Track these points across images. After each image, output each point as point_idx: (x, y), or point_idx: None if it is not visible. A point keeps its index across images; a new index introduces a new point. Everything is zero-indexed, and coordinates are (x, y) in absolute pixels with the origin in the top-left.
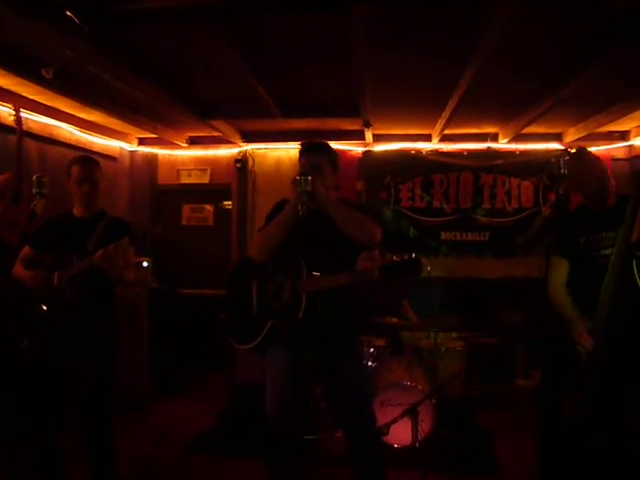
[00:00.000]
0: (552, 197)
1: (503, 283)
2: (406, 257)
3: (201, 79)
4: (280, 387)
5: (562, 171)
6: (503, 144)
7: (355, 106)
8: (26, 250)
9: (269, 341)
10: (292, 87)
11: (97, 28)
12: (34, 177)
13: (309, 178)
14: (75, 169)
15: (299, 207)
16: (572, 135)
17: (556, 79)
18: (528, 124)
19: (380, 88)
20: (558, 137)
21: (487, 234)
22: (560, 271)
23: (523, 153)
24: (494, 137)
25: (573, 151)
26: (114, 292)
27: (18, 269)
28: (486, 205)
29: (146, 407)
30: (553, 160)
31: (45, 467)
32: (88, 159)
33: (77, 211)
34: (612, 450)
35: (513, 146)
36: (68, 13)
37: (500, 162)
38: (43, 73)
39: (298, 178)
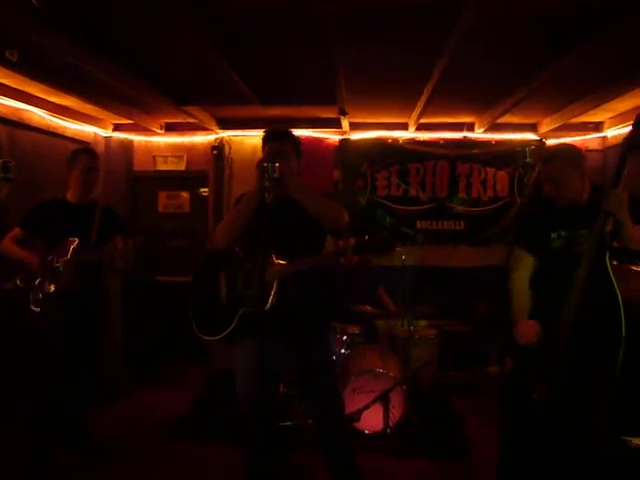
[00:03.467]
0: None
1: (477, 272)
2: (378, 236)
3: (174, 65)
4: (250, 373)
5: (527, 160)
6: (479, 134)
7: (331, 94)
8: (17, 231)
9: (240, 330)
10: (267, 74)
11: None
12: None
13: (276, 165)
14: (84, 159)
15: (266, 194)
16: (547, 125)
17: (528, 69)
18: (503, 114)
19: (354, 77)
20: (533, 127)
21: (462, 223)
22: (524, 265)
23: (499, 143)
24: (470, 126)
25: (548, 146)
26: (102, 280)
27: (12, 247)
28: (462, 194)
29: (122, 395)
30: (518, 149)
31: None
32: (93, 151)
33: (72, 197)
34: (581, 435)
35: (489, 136)
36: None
37: (476, 151)
38: (7, 55)
39: (265, 165)
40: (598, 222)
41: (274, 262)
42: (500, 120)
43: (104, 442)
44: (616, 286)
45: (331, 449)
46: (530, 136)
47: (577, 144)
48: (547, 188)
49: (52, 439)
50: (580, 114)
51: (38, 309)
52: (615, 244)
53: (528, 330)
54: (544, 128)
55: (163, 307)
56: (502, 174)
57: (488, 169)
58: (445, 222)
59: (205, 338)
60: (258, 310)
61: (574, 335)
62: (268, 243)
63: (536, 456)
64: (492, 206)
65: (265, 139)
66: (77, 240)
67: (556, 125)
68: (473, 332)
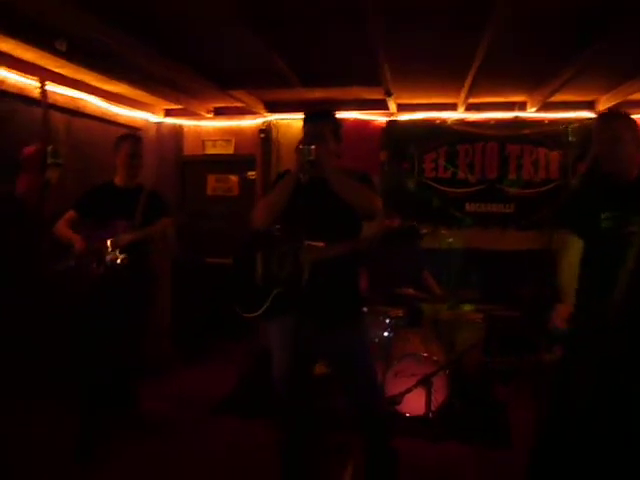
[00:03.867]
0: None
1: (527, 256)
2: (404, 225)
3: (218, 50)
4: (284, 354)
5: (570, 139)
6: (531, 113)
7: (375, 75)
8: (71, 214)
9: (273, 310)
10: (309, 56)
11: None
12: (49, 148)
13: (312, 147)
14: (127, 144)
15: (301, 175)
16: (605, 103)
17: (579, 42)
18: (555, 92)
19: (396, 58)
20: (590, 105)
21: (512, 205)
22: (573, 249)
23: (552, 122)
24: (522, 106)
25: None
26: (150, 260)
27: (64, 229)
28: (512, 176)
29: (170, 372)
30: (561, 127)
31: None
32: (137, 136)
33: (119, 181)
34: (614, 438)
35: (542, 115)
36: None
37: (527, 132)
38: (57, 46)
39: (301, 147)
40: None
41: (308, 245)
42: (553, 98)
43: (152, 418)
44: None
45: (365, 433)
46: (586, 114)
47: (638, 121)
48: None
49: (102, 416)
50: (639, 90)
51: (86, 289)
52: None
53: (560, 315)
54: (602, 106)
55: (211, 288)
56: (554, 155)
57: (540, 150)
58: (494, 204)
59: (244, 315)
60: (290, 292)
61: (623, 320)
62: (302, 225)
63: (572, 448)
64: (544, 188)
65: (304, 121)
66: (122, 222)
67: (615, 102)
68: (521, 318)
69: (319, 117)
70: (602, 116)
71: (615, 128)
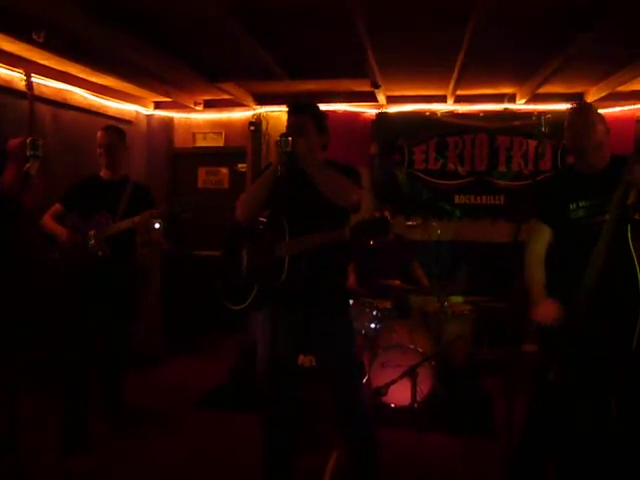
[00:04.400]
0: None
1: (517, 248)
2: (376, 216)
3: (204, 43)
4: (267, 348)
5: (543, 129)
6: (521, 105)
7: (362, 68)
8: (57, 207)
9: (258, 303)
10: (296, 50)
11: None
12: (28, 140)
13: (289, 139)
14: (100, 135)
15: (278, 168)
16: (594, 94)
17: (565, 33)
18: (544, 83)
19: (382, 49)
20: (580, 97)
21: (502, 198)
22: (541, 239)
23: (542, 114)
24: (511, 98)
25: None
26: (136, 252)
27: (50, 222)
28: (502, 168)
29: (159, 364)
30: (534, 118)
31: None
32: (111, 127)
33: (104, 174)
34: (595, 420)
35: (532, 107)
36: None
37: (517, 123)
38: (34, 37)
39: (279, 138)
40: (617, 192)
41: (286, 237)
42: (543, 90)
43: (138, 410)
44: (636, 262)
45: (348, 424)
46: None
47: (626, 114)
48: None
49: (87, 407)
50: (628, 81)
51: (69, 280)
52: (638, 217)
53: (547, 311)
54: (591, 97)
55: (201, 280)
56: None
57: (530, 142)
58: (484, 196)
59: (231, 308)
60: (271, 285)
61: (592, 312)
62: (281, 217)
63: (551, 439)
64: (534, 180)
65: (287, 113)
66: (105, 214)
67: (603, 94)
68: (510, 310)
69: (300, 109)
70: (573, 108)
71: (586, 119)
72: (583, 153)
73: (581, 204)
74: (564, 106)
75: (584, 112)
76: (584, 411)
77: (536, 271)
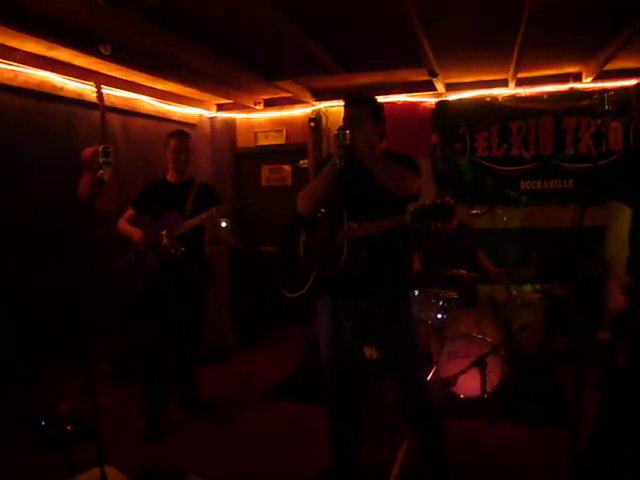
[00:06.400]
0: None
1: (590, 233)
2: (437, 202)
3: (259, 43)
4: (329, 335)
5: (606, 107)
6: (588, 83)
7: (418, 57)
8: (130, 211)
9: (315, 290)
10: (349, 44)
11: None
12: (100, 147)
13: (347, 132)
14: (173, 141)
15: (337, 161)
16: None
17: (631, 4)
18: (611, 58)
19: (437, 36)
20: None
21: (571, 181)
22: (622, 221)
23: (613, 91)
24: (577, 77)
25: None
26: (203, 250)
27: (125, 225)
28: (569, 150)
29: (229, 358)
30: (595, 96)
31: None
32: (183, 132)
33: (171, 177)
34: None
35: (600, 84)
36: None
37: (585, 103)
38: (101, 50)
39: (337, 132)
40: None
41: (345, 225)
42: (610, 66)
43: (212, 401)
44: None
45: (411, 414)
46: None
47: None
48: None
49: (165, 398)
50: None
51: (143, 282)
52: None
53: (613, 291)
54: None
55: (267, 274)
56: (616, 125)
57: (599, 121)
58: (551, 181)
59: (288, 296)
60: (330, 272)
61: None
62: (340, 207)
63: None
64: (605, 160)
65: (344, 106)
66: (175, 214)
67: None
68: (583, 296)
69: (356, 101)
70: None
71: None
72: None
73: None
74: (634, 82)
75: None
76: None
77: (618, 255)
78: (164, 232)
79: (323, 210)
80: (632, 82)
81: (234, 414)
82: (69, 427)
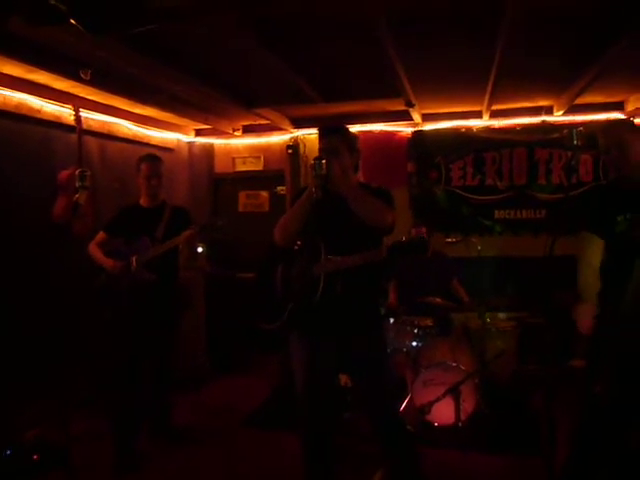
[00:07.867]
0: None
1: (561, 262)
2: (413, 237)
3: (239, 71)
4: (303, 369)
5: (575, 143)
6: (559, 117)
7: (395, 87)
8: (101, 235)
9: (291, 323)
10: (328, 73)
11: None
12: (77, 171)
13: (323, 162)
14: (144, 166)
15: (314, 190)
16: (634, 103)
17: (598, 43)
18: (581, 93)
19: (414, 68)
20: (619, 106)
21: (544, 211)
22: (593, 250)
23: (582, 125)
24: (549, 110)
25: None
26: (177, 275)
27: (95, 251)
28: (541, 181)
29: (204, 384)
30: (565, 131)
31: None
32: (155, 157)
33: (144, 202)
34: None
35: (570, 118)
36: (72, 21)
37: (556, 136)
38: (81, 75)
39: (313, 162)
40: None
41: (322, 258)
42: (581, 100)
43: (187, 430)
44: None
45: (383, 442)
46: (616, 115)
47: None
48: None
49: (138, 428)
50: None
51: (117, 305)
52: None
53: (582, 316)
54: (631, 106)
55: (243, 301)
56: (586, 157)
57: (570, 154)
58: (525, 211)
59: (263, 327)
60: (305, 305)
61: (630, 327)
62: (317, 238)
63: (600, 455)
64: (576, 191)
65: (318, 136)
66: (146, 239)
67: None
68: (555, 324)
69: (332, 132)
70: (608, 123)
71: (622, 133)
72: (621, 172)
73: (626, 217)
74: (604, 116)
75: (619, 127)
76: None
77: (588, 283)
78: (134, 257)
79: (299, 242)
80: (601, 116)
81: (208, 443)
82: (36, 456)
